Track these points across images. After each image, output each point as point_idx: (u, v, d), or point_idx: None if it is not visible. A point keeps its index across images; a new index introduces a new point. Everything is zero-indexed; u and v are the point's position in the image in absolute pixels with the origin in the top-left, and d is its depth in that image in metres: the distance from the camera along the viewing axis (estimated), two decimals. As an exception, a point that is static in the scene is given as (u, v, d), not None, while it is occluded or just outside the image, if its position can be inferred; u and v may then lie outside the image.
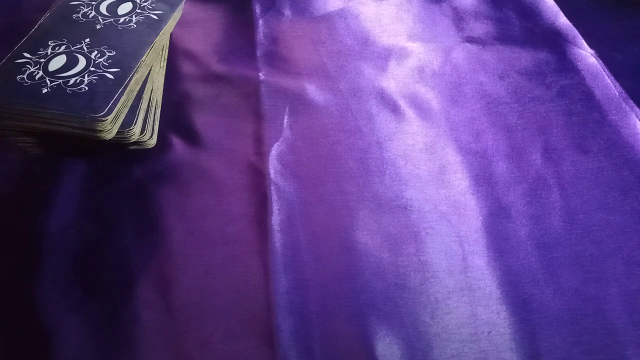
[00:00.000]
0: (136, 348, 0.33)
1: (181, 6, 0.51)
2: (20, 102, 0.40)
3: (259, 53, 0.51)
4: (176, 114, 0.46)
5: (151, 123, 0.43)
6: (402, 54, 0.52)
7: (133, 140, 0.41)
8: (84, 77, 0.42)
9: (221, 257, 0.37)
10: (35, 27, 0.46)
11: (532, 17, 0.56)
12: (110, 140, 0.40)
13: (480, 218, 0.39)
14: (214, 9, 0.56)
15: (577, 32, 0.53)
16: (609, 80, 0.49)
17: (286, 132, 0.44)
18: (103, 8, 0.48)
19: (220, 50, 0.51)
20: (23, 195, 0.40)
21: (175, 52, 0.51)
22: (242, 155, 0.43)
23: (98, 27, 0.46)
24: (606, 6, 0.57)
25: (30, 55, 0.43)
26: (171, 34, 0.52)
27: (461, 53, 0.52)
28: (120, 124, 0.40)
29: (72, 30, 0.46)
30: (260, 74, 0.49)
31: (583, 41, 0.52)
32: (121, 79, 0.42)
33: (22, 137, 0.42)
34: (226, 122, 0.45)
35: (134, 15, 0.48)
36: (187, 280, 0.36)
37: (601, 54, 0.51)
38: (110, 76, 0.42)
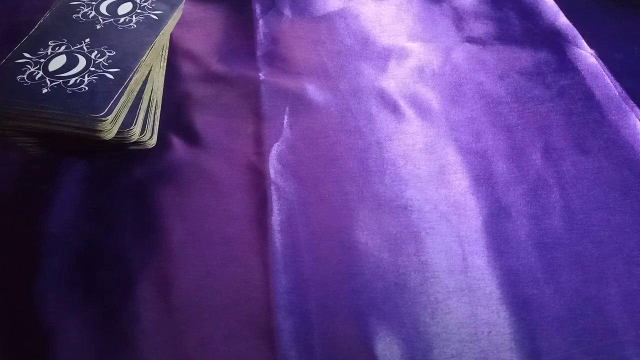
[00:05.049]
0: (136, 348, 0.33)
1: (181, 6, 0.51)
2: (20, 102, 0.40)
3: (259, 53, 0.51)
4: (176, 114, 0.46)
5: (151, 123, 0.43)
6: (402, 54, 0.52)
7: (133, 140, 0.41)
8: (84, 77, 0.42)
9: (221, 257, 0.37)
10: (35, 27, 0.46)
11: (532, 17, 0.56)
12: (110, 140, 0.40)
13: (480, 218, 0.39)
14: (214, 9, 0.56)
15: (577, 32, 0.53)
16: (609, 80, 0.49)
17: (286, 132, 0.44)
18: (103, 8, 0.48)
19: (220, 50, 0.51)
20: (23, 195, 0.40)
21: (175, 52, 0.51)
22: (242, 155, 0.43)
23: (98, 27, 0.46)
24: (606, 6, 0.57)
25: (30, 55, 0.43)
26: (171, 34, 0.52)
27: (461, 53, 0.52)
28: (120, 124, 0.40)
29: (72, 30, 0.46)
30: (260, 74, 0.49)
31: (583, 41, 0.52)
32: (121, 79, 0.42)
33: (22, 137, 0.42)
34: (226, 122, 0.45)
35: (134, 15, 0.48)
36: (187, 280, 0.36)
37: (601, 54, 0.51)
38: (110, 76, 0.42)
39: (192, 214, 0.39)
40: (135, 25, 0.47)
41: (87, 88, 0.41)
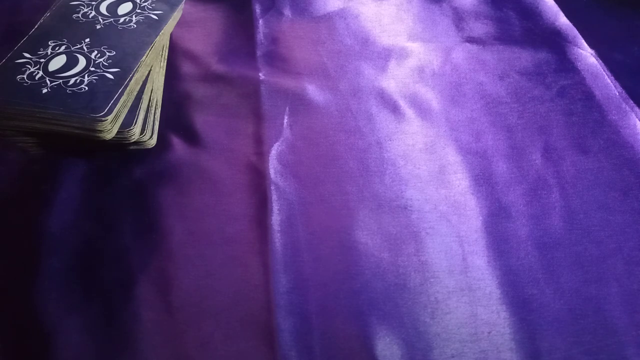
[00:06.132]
0: (136, 348, 0.33)
1: (181, 6, 0.51)
2: (20, 102, 0.40)
3: (259, 53, 0.51)
4: (176, 114, 0.46)
5: (151, 123, 0.43)
6: (402, 54, 0.52)
7: (133, 140, 0.41)
8: (84, 77, 0.42)
9: (221, 257, 0.37)
10: (35, 27, 0.46)
11: (532, 17, 0.56)
12: (110, 140, 0.40)
13: (480, 218, 0.39)
14: (214, 9, 0.56)
15: (577, 32, 0.53)
16: (609, 80, 0.49)
17: (286, 132, 0.44)
18: (103, 8, 0.48)
19: (220, 50, 0.51)
20: (23, 195, 0.40)
21: (175, 52, 0.51)
22: (242, 155, 0.43)
23: (98, 27, 0.46)
24: (606, 6, 0.57)
25: (30, 55, 0.43)
26: (171, 34, 0.52)
27: (461, 53, 0.52)
28: (120, 124, 0.40)
29: (72, 30, 0.46)
30: (260, 74, 0.49)
31: (583, 41, 0.52)
32: (121, 79, 0.42)
33: (22, 137, 0.42)
34: (226, 122, 0.45)
35: (134, 15, 0.48)
36: (187, 280, 0.36)
37: (601, 54, 0.51)
38: (110, 76, 0.42)
39: (192, 214, 0.39)
40: (135, 25, 0.47)
41: (87, 88, 0.41)
